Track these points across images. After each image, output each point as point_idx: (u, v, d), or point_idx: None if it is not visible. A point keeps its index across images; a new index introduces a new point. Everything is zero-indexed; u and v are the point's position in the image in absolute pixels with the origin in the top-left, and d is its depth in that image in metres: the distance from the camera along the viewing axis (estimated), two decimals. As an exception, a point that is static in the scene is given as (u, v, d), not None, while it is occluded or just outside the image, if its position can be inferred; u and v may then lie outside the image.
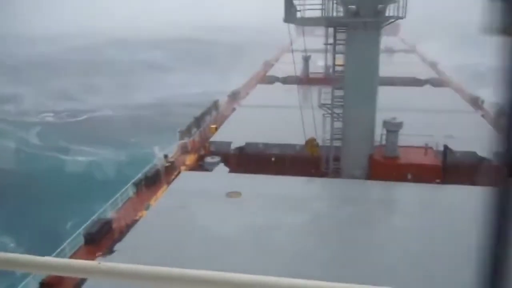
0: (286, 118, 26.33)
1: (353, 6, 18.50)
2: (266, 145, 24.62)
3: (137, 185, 20.63)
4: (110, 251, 15.19)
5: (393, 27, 35.32)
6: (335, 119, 20.61)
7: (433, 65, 49.59)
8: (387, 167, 20.09)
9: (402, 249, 14.73)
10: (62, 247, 15.69)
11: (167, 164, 22.92)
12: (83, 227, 16.69)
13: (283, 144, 24.28)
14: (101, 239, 16.42)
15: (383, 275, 13.28)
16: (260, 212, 17.25)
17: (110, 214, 18.27)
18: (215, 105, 33.04)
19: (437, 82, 41.20)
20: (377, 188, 19.78)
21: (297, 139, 22.88)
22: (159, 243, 15.34)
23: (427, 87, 39.86)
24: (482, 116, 29.99)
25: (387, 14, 18.82)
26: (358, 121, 20.19)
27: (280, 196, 18.58)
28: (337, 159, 21.14)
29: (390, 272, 13.49)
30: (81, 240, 16.32)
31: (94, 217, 17.45)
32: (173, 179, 21.17)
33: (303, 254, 14.60)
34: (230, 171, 22.20)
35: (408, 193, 18.85)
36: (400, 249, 14.76)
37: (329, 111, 20.70)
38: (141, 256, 14.59)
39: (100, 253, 15.15)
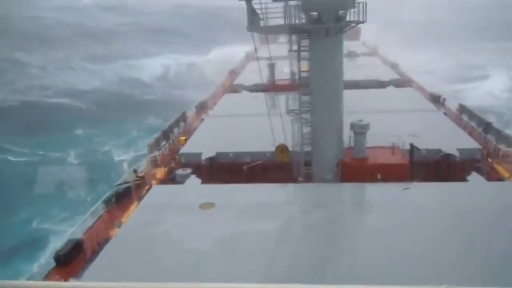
0: (255, 126, 26.41)
1: (315, 13, 18.82)
2: (236, 154, 24.60)
3: (107, 202, 20.18)
4: (82, 271, 14.76)
5: (354, 32, 36.09)
6: (304, 124, 20.83)
7: (394, 67, 50.96)
8: (356, 168, 20.42)
9: (377, 248, 14.96)
10: (33, 271, 15.17)
11: (137, 179, 22.54)
12: (54, 249, 16.18)
13: (254, 152, 24.33)
14: (72, 260, 15.95)
15: (361, 276, 13.43)
16: (234, 221, 17.18)
17: (81, 234, 17.77)
18: (183, 116, 32.81)
19: (399, 83, 42.35)
20: (348, 190, 20.07)
21: (267, 146, 22.99)
22: (133, 260, 15.02)
23: (390, 88, 40.90)
24: (444, 113, 30.99)
25: (348, 19, 19.23)
26: (326, 125, 20.47)
27: (254, 204, 18.57)
28: (308, 163, 21.33)
29: (368, 272, 13.67)
30: (52, 263, 15.82)
31: (64, 238, 16.94)
32: (144, 194, 20.82)
33: (280, 260, 14.61)
34: (202, 182, 22.04)
35: (379, 193, 19.21)
36: (375, 248, 14.99)
37: (297, 117, 20.90)
38: (115, 275, 14.24)
39: (72, 275, 14.70)
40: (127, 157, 43.91)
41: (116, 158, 44.67)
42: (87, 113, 58.22)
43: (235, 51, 74.24)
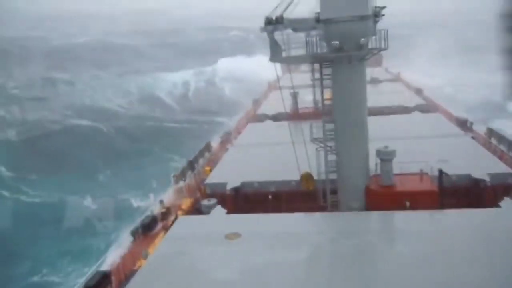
0: (279, 154, 26.40)
1: (336, 42, 18.99)
2: (261, 183, 24.54)
3: (134, 233, 20.34)
4: None
5: (376, 58, 36.16)
6: (329, 152, 20.70)
7: (418, 92, 50.53)
8: (384, 196, 20.03)
9: (407, 278, 14.48)
10: None
11: (163, 210, 22.70)
12: (82, 280, 16.30)
13: (279, 181, 24.23)
14: None
15: None
16: (261, 251, 16.97)
17: (109, 266, 17.88)
18: (207, 146, 33.16)
19: (424, 108, 41.86)
20: (376, 219, 19.64)
21: (292, 175, 22.87)
22: None
23: (416, 113, 40.43)
24: (472, 138, 30.33)
25: (370, 47, 19.31)
26: (351, 153, 20.28)
27: (280, 233, 18.35)
28: (334, 192, 21.07)
29: None
30: None
31: (92, 269, 17.08)
32: (171, 225, 20.89)
33: None
34: (228, 213, 21.99)
35: (407, 221, 18.72)
36: (404, 279, 14.50)
37: (322, 145, 20.82)
38: None
39: None
40: (145, 203, 40.58)
41: (135, 205, 42.29)
42: (107, 142, 57.93)
43: (240, 61, 77.61)
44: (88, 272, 16.78)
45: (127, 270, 17.38)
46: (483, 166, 23.71)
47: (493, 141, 29.22)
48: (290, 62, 21.43)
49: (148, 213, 22.10)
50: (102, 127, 62.64)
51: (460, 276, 14.27)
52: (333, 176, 20.92)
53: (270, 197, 23.58)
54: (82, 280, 16.24)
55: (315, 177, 21.97)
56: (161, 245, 18.81)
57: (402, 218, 19.08)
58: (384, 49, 19.27)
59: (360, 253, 16.55)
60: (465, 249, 15.97)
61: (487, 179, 22.40)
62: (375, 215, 19.75)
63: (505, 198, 20.56)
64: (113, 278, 16.88)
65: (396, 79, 63.11)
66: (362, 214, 20.03)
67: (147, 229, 20.77)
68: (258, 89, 57.64)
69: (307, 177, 22.47)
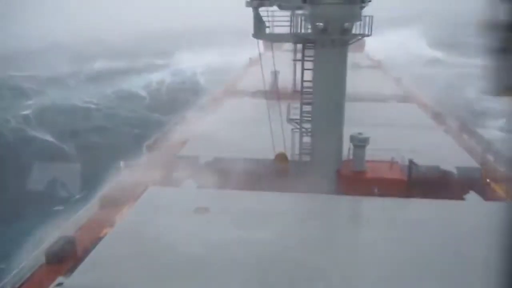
0: (255, 132, 26.33)
1: (321, 24, 18.82)
2: (235, 159, 24.50)
3: (101, 200, 20.07)
4: (72, 270, 14.61)
5: (359, 44, 36.20)
6: (304, 134, 20.76)
7: (397, 81, 51.02)
8: (354, 181, 20.34)
9: (370, 263, 14.86)
10: (21, 265, 15.00)
11: (133, 179, 22.43)
12: (44, 245, 16.02)
13: (253, 158, 24.24)
14: (63, 258, 15.80)
15: None
16: (229, 228, 17.04)
17: (73, 232, 17.64)
18: (182, 119, 32.77)
19: (401, 98, 42.35)
20: (344, 203, 19.97)
21: (267, 153, 22.90)
22: (125, 262, 14.86)
23: (392, 102, 40.89)
24: (445, 131, 30.97)
25: (354, 32, 19.23)
26: (326, 136, 20.42)
27: (250, 211, 18.45)
28: (306, 173, 21.23)
29: (361, 285, 13.56)
30: (42, 259, 15.66)
31: (55, 234, 16.79)
32: (140, 194, 20.70)
33: (273, 270, 14.48)
34: (199, 187, 21.93)
35: (375, 207, 19.11)
36: (367, 262, 14.88)
37: (298, 126, 20.84)
38: (105, 275, 14.10)
39: (61, 274, 14.54)
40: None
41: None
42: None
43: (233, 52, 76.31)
44: (51, 237, 16.50)
45: (92, 237, 17.20)
46: (452, 159, 24.30)
47: (465, 135, 29.92)
48: (273, 40, 21.18)
49: (117, 181, 21.80)
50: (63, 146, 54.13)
51: (419, 263, 14.73)
52: (306, 158, 21.06)
53: (242, 174, 23.60)
54: (44, 245, 15.96)
55: (289, 158, 22.09)
56: (129, 214, 18.67)
57: (370, 204, 19.47)
58: (368, 35, 19.24)
59: (327, 234, 16.85)
60: (427, 237, 16.46)
61: (455, 172, 23.00)
62: (344, 199, 20.07)
63: (470, 191, 21.20)
64: (77, 244, 16.68)
65: (377, 66, 63.50)
66: (331, 197, 20.33)
67: (115, 197, 20.51)
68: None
69: (281, 157, 22.57)
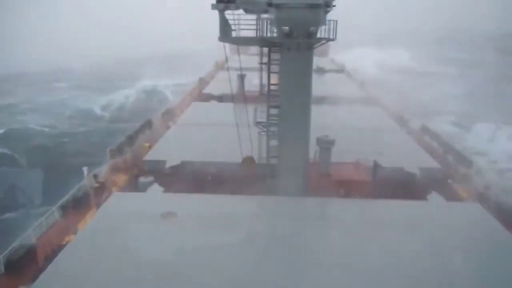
0: (222, 136, 26.23)
1: (286, 28, 18.95)
2: (202, 163, 24.29)
3: (63, 207, 19.39)
4: (33, 280, 14.03)
5: (323, 49, 36.70)
6: (271, 137, 20.82)
7: (361, 85, 52.10)
8: (321, 183, 20.55)
9: (338, 263, 15.02)
10: None
11: (96, 185, 21.84)
12: (2, 254, 15.30)
13: (220, 162, 24.10)
14: (23, 266, 15.15)
15: None
16: (196, 232, 16.85)
17: (34, 240, 16.95)
18: (148, 123, 32.21)
19: (365, 101, 43.25)
20: (311, 204, 20.15)
21: (234, 157, 22.82)
22: (88, 270, 14.41)
23: (356, 105, 41.69)
24: (407, 133, 31.83)
25: (318, 36, 19.47)
26: (293, 139, 20.53)
27: (217, 215, 18.31)
28: (273, 176, 21.29)
29: (328, 286, 13.67)
30: (1, 269, 14.96)
31: (15, 243, 16.08)
32: (104, 201, 20.16)
33: (242, 274, 14.40)
34: (165, 191, 21.58)
35: (341, 208, 19.38)
36: (336, 263, 15.04)
37: (265, 129, 20.89)
38: (68, 284, 13.62)
39: (22, 283, 13.95)
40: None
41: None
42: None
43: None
44: (11, 245, 15.79)
45: (54, 245, 16.59)
46: (415, 160, 24.99)
47: (426, 137, 30.84)
48: (239, 43, 21.15)
49: (80, 187, 21.14)
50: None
51: (385, 262, 15.02)
52: (274, 161, 21.12)
53: (210, 178, 23.42)
54: (2, 254, 15.25)
55: (257, 161, 22.09)
56: (92, 221, 18.13)
57: (336, 205, 19.74)
58: (332, 40, 19.51)
59: (294, 237, 16.93)
60: (392, 237, 16.82)
61: (418, 172, 23.64)
62: (311, 200, 20.25)
63: (433, 192, 21.84)
64: (38, 252, 16.04)
65: (341, 70, 64.64)
66: (299, 199, 20.46)
67: (78, 204, 19.88)
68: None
69: (248, 160, 22.54)
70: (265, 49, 20.65)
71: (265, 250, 16.10)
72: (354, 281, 13.96)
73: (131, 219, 17.87)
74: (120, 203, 19.66)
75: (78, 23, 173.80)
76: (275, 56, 20.02)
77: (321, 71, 57.62)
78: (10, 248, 15.64)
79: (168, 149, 26.50)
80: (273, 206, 19.94)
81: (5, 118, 66.00)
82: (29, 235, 16.90)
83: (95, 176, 22.47)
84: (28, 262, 15.42)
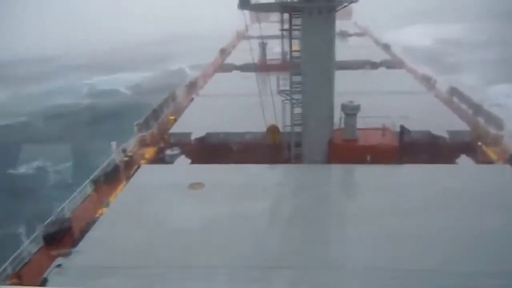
0: (246, 106, 26.16)
1: (307, -9, 18.45)
2: (227, 134, 24.41)
3: (95, 181, 19.98)
4: (70, 251, 14.65)
5: (346, 11, 35.71)
6: (295, 105, 20.64)
7: (386, 48, 50.67)
8: (346, 149, 20.38)
9: (365, 230, 15.02)
10: (20, 249, 15.01)
11: (125, 159, 22.31)
12: (41, 227, 15.99)
13: (244, 132, 24.15)
14: (61, 239, 15.82)
15: (348, 257, 13.52)
16: (223, 202, 17.11)
17: (69, 213, 17.61)
18: (172, 96, 32.40)
19: (391, 64, 42.17)
20: (337, 172, 20.07)
21: (258, 126, 22.81)
22: (121, 241, 14.92)
23: (382, 69, 40.71)
24: (435, 96, 30.97)
25: (340, -2, 18.91)
26: (317, 106, 20.31)
27: (243, 185, 18.49)
28: (298, 144, 21.24)
29: (357, 253, 13.75)
30: (40, 241, 15.68)
31: (52, 217, 16.76)
32: (133, 174, 20.63)
33: (269, 241, 14.62)
34: (191, 163, 21.88)
35: (368, 175, 19.22)
36: (362, 230, 15.05)
37: (288, 98, 20.70)
38: (103, 255, 14.16)
39: (60, 254, 14.58)
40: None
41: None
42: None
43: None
44: (47, 219, 16.47)
45: (88, 218, 17.19)
46: (442, 123, 24.38)
47: (455, 99, 29.95)
48: (259, 10, 20.75)
49: (110, 161, 21.66)
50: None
51: (414, 227, 14.94)
52: (298, 129, 21.01)
53: (234, 148, 23.56)
54: (40, 227, 15.93)
55: (281, 130, 22.04)
56: (123, 193, 18.64)
57: (363, 172, 19.58)
58: (354, 1, 18.91)
59: (320, 204, 16.97)
60: (421, 202, 16.64)
61: (446, 136, 23.11)
62: (336, 168, 20.15)
63: (462, 155, 21.36)
64: (73, 225, 16.67)
65: (365, 33, 62.91)
66: (324, 166, 20.40)
67: (109, 178, 20.43)
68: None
69: (272, 129, 22.51)
70: (286, 15, 20.21)
71: (291, 218, 16.24)
72: (382, 248, 13.96)
73: (160, 190, 18.27)
74: (148, 175, 20.09)
75: (105, 11, 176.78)
76: (296, 21, 19.59)
77: (344, 34, 56.29)
78: (47, 222, 16.32)
79: (193, 121, 26.69)
80: (299, 174, 19.97)
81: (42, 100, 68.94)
82: (64, 209, 17.55)
83: (123, 150, 22.94)
84: (64, 234, 16.06)
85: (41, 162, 43.22)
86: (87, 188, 19.53)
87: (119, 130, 33.98)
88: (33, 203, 33.18)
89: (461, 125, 24.58)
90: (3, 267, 13.91)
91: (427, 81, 34.97)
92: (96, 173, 20.46)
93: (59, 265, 13.84)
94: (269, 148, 22.30)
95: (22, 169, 42.46)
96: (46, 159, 43.27)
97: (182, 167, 21.40)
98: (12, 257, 14.43)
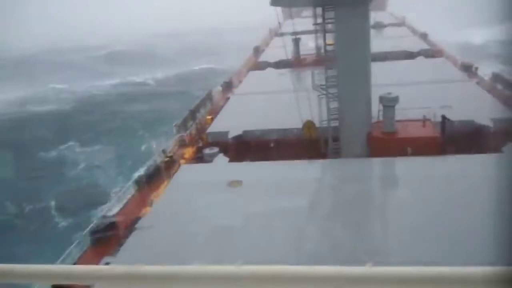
0: (281, 102, 26.18)
1: (340, -17, 18.26)
2: (263, 131, 24.52)
3: (138, 182, 20.60)
4: (117, 250, 15.18)
5: (380, 1, 35.01)
6: (331, 99, 20.48)
7: (423, 37, 49.30)
8: (386, 142, 20.02)
9: (408, 224, 14.73)
10: (68, 250, 15.67)
11: (166, 159, 22.85)
12: (88, 228, 16.66)
13: (281, 129, 24.18)
14: (107, 239, 16.41)
15: (391, 250, 13.31)
16: (263, 198, 17.21)
17: (114, 213, 18.24)
18: (209, 95, 32.85)
19: (429, 53, 40.99)
20: (377, 165, 19.75)
21: (294, 122, 22.78)
22: (166, 238, 15.32)
23: (420, 59, 39.64)
24: (477, 83, 29.88)
25: (374, -11, 18.60)
26: (354, 99, 20.06)
27: (281, 181, 18.53)
28: (336, 139, 21.06)
29: (398, 246, 13.52)
30: (88, 241, 16.33)
31: (98, 218, 17.44)
32: (174, 174, 21.10)
33: (309, 237, 14.60)
34: (230, 161, 22.13)
35: (409, 167, 18.81)
36: (406, 224, 14.76)
37: (324, 92, 20.56)
38: (149, 253, 14.57)
39: (107, 254, 15.13)
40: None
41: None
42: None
43: None
44: (94, 220, 17.13)
45: (132, 218, 17.74)
46: (486, 111, 23.49)
47: (498, 86, 28.79)
48: (291, 5, 20.75)
49: (151, 162, 22.26)
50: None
51: (459, 220, 14.50)
52: (335, 124, 20.83)
53: (272, 145, 23.63)
54: (88, 227, 16.60)
55: (317, 125, 21.92)
56: (165, 193, 19.10)
57: (404, 164, 19.17)
58: None
59: (361, 199, 16.77)
60: (465, 194, 16.13)
61: (490, 124, 22.27)
62: (376, 161, 19.84)
63: (509, 143, 20.51)
64: (119, 225, 17.25)
65: (401, 23, 61.42)
66: (364, 160, 20.12)
67: (151, 178, 21.00)
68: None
69: (309, 124, 22.41)
70: (319, 9, 20.07)
71: (331, 213, 16.14)
72: (426, 242, 13.66)
73: (200, 188, 18.61)
74: (188, 175, 20.50)
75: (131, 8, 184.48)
76: (330, 15, 19.41)
77: (380, 26, 55.17)
78: (93, 222, 16.97)
79: (229, 120, 26.96)
80: (338, 169, 19.80)
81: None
82: (110, 210, 18.21)
83: (163, 151, 23.50)
84: (111, 234, 16.65)
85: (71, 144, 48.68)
86: (130, 188, 20.17)
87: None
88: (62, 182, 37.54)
89: (505, 112, 23.61)
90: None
91: (468, 69, 33.78)
92: (139, 174, 21.10)
93: (107, 263, 14.38)
94: (306, 144, 22.23)
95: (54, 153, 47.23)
96: (76, 142, 48.87)
97: (221, 165, 21.68)
98: (61, 258, 15.08)
